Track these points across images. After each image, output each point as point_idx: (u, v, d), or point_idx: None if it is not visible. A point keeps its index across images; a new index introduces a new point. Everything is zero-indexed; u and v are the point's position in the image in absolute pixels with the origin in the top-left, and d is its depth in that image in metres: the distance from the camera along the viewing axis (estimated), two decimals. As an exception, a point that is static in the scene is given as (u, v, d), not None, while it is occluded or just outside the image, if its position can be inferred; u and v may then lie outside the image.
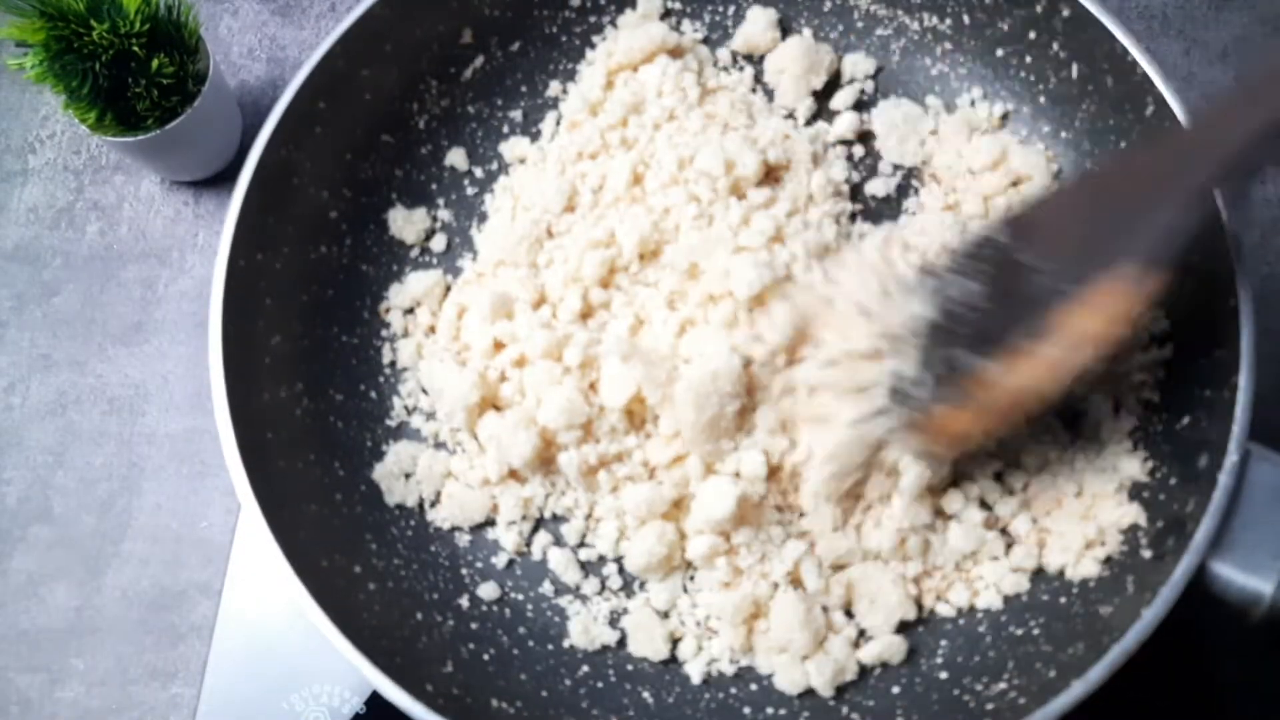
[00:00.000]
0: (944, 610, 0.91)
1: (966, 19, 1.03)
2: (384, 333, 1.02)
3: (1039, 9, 0.98)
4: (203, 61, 1.09)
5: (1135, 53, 0.91)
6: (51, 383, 1.13)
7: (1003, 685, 0.85)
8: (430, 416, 0.99)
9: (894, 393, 0.87)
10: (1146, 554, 0.84)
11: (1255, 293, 0.82)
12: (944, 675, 0.89)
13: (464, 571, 0.95)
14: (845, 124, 1.05)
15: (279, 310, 0.95)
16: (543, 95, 1.09)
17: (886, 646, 0.89)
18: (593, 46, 1.09)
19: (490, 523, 0.97)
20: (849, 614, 0.91)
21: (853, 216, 1.02)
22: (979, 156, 1.01)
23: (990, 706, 0.83)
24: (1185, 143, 0.82)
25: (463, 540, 0.96)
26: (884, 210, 1.03)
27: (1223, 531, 0.77)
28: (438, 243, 1.05)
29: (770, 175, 1.00)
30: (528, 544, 0.96)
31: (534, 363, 0.94)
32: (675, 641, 0.92)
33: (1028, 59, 1.02)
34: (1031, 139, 1.03)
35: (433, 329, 1.01)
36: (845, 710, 0.88)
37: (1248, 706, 0.97)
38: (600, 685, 0.91)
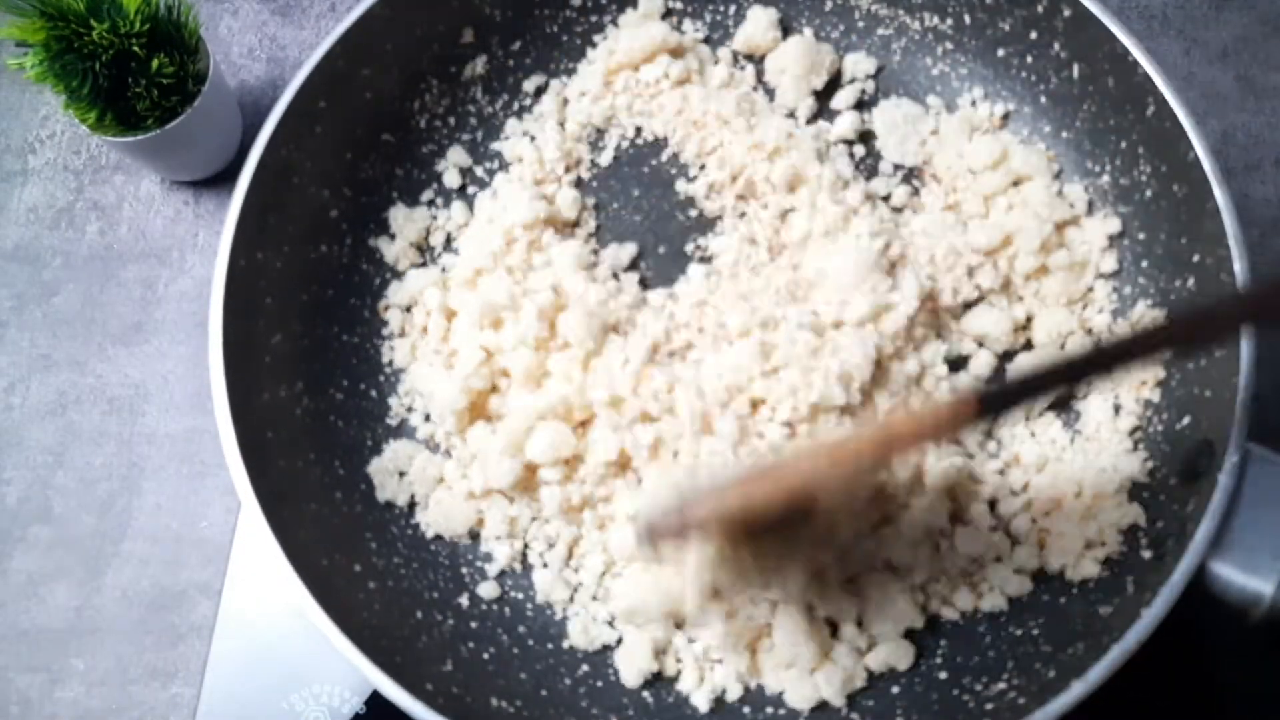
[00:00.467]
0: (948, 614, 0.91)
1: (967, 19, 1.03)
2: (384, 331, 1.02)
3: (1040, 9, 0.98)
4: (203, 61, 1.09)
5: (1136, 53, 0.91)
6: (51, 383, 1.13)
7: (1002, 685, 0.85)
8: (426, 418, 0.99)
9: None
10: (1146, 554, 0.84)
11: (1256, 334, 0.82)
12: (944, 675, 0.89)
13: (464, 571, 0.95)
14: (846, 124, 1.05)
15: (279, 309, 0.95)
16: (544, 95, 1.09)
17: (893, 652, 0.89)
18: (594, 46, 1.09)
19: (476, 535, 0.97)
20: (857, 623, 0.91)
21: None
22: (980, 156, 1.01)
23: (990, 707, 0.83)
24: None
25: (462, 540, 0.96)
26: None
27: (1223, 532, 0.77)
28: (437, 240, 1.05)
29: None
30: (522, 559, 0.96)
31: (516, 382, 0.94)
32: (660, 673, 0.92)
33: (1029, 59, 1.02)
34: (1032, 139, 1.03)
35: (425, 330, 1.01)
36: (846, 711, 0.88)
37: (1248, 706, 0.97)
38: (600, 684, 0.91)
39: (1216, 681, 0.97)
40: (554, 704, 0.89)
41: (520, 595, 0.94)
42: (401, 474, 0.97)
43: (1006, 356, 0.98)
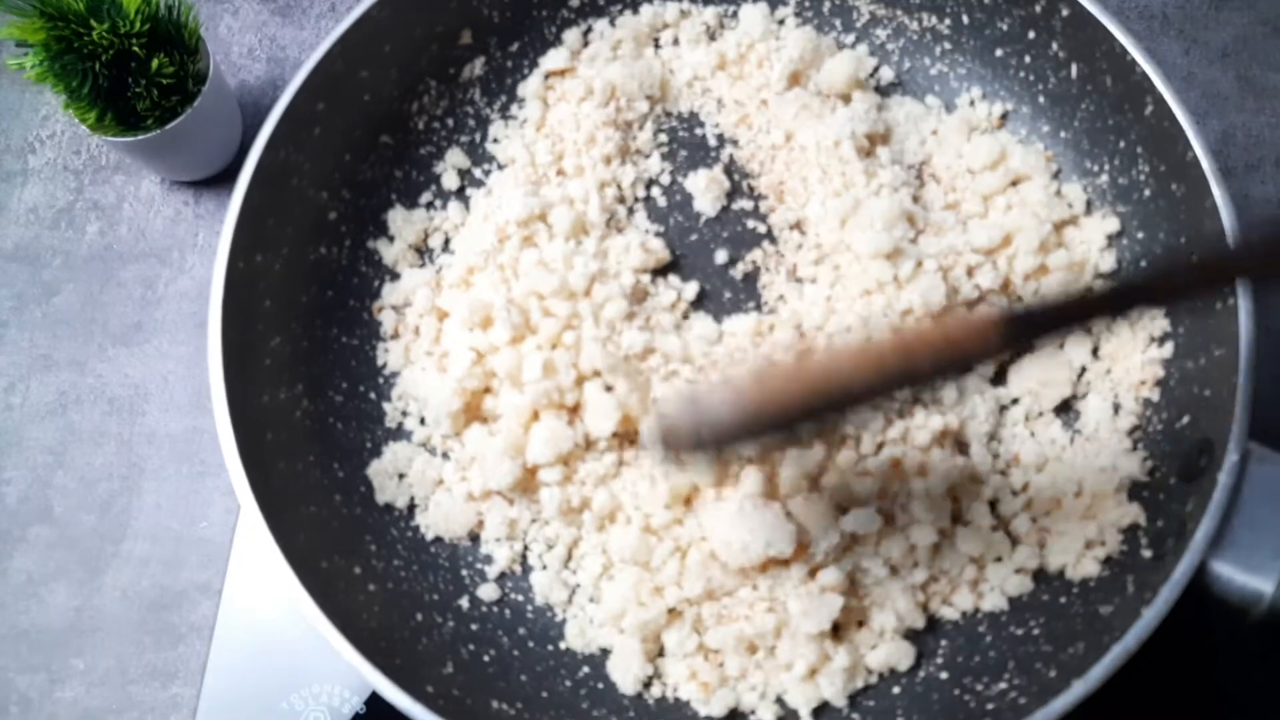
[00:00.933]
0: (949, 614, 0.91)
1: (965, 19, 1.03)
2: (382, 332, 1.02)
3: (1038, 9, 0.98)
4: (203, 61, 1.09)
5: (1134, 52, 0.91)
6: (51, 383, 1.13)
7: (1003, 685, 0.85)
8: (422, 421, 0.99)
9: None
10: (1146, 554, 0.84)
11: (1254, 292, 0.82)
12: (945, 675, 0.89)
13: (464, 573, 0.95)
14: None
15: (278, 312, 0.95)
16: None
17: (894, 652, 0.89)
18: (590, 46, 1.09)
19: (475, 537, 0.97)
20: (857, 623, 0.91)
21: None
22: (978, 156, 1.01)
23: (991, 706, 0.83)
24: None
25: (462, 542, 0.96)
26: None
27: (1223, 531, 0.77)
28: (436, 242, 1.05)
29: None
30: (522, 560, 0.96)
31: (506, 382, 0.95)
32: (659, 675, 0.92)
33: (1027, 59, 1.02)
34: (1031, 138, 1.03)
35: (418, 331, 1.01)
36: (847, 711, 0.88)
37: (1248, 706, 0.97)
38: (601, 686, 0.90)
39: (1217, 680, 0.97)
40: (555, 706, 0.88)
41: (520, 597, 0.94)
42: (401, 476, 0.97)
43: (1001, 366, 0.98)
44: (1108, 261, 0.97)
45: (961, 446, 0.93)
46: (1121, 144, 0.96)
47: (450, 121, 1.07)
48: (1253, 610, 0.77)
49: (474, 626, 0.92)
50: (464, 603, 0.93)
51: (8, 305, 1.16)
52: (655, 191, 1.05)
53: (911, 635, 0.90)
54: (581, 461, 0.93)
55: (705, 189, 1.04)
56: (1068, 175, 1.01)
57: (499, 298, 0.96)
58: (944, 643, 0.91)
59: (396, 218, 1.04)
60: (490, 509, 0.95)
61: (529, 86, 1.07)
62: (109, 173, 1.21)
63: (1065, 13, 0.95)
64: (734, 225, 1.04)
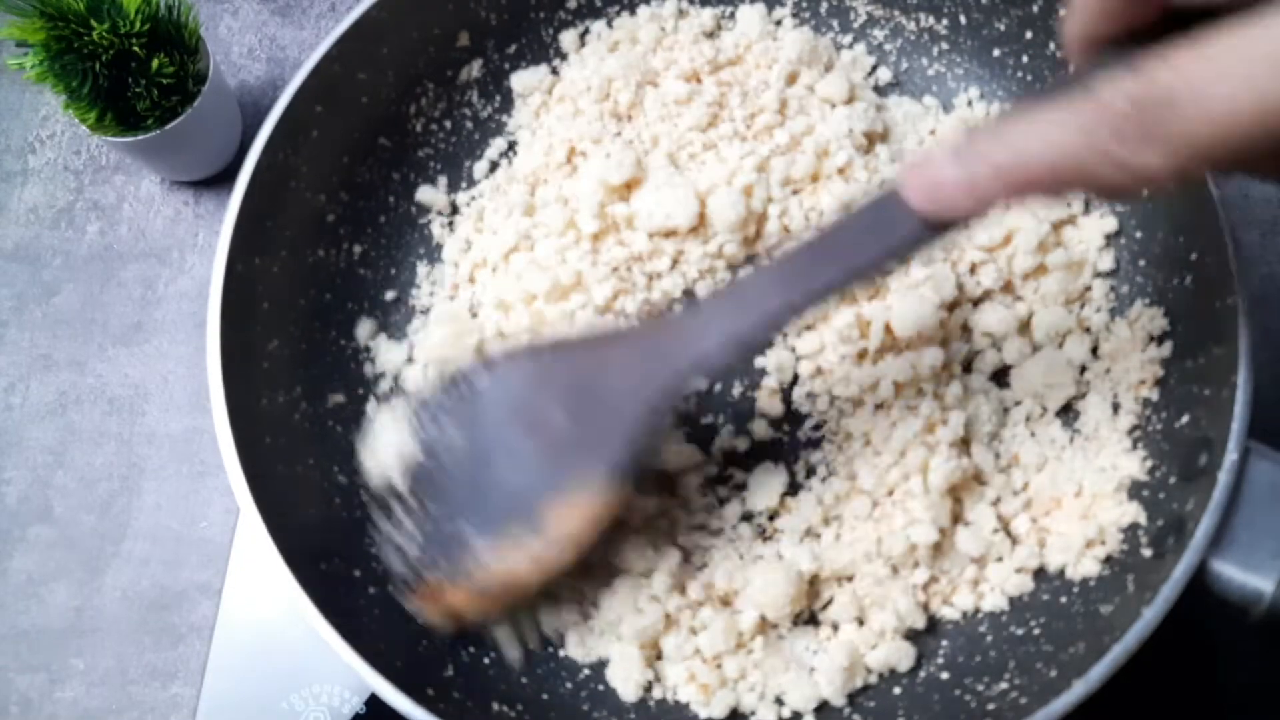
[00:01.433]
0: (949, 614, 0.91)
1: (963, 19, 1.03)
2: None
3: (1035, 9, 0.98)
4: (203, 61, 1.09)
5: (1133, 52, 0.90)
6: (51, 383, 1.13)
7: (1004, 685, 0.85)
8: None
9: (388, 545, 0.85)
10: (1146, 553, 0.84)
11: (1254, 292, 0.82)
12: (945, 676, 0.89)
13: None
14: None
15: (277, 315, 0.95)
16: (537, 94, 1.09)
17: (894, 652, 0.89)
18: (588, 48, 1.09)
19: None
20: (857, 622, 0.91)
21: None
22: (977, 156, 1.01)
23: (991, 707, 0.83)
24: (661, 336, 0.80)
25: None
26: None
27: (1223, 530, 0.77)
28: (435, 239, 1.05)
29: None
30: None
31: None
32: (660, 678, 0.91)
33: (1025, 59, 1.02)
34: (1030, 138, 1.03)
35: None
36: (848, 711, 0.88)
37: (1248, 706, 0.97)
38: (601, 689, 0.90)
39: (1218, 680, 0.97)
40: (555, 708, 0.89)
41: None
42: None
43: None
44: (1106, 261, 0.97)
45: (964, 445, 0.93)
46: (1121, 144, 0.96)
47: (448, 124, 1.07)
48: (1253, 610, 0.77)
49: (474, 629, 0.92)
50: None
51: (8, 305, 1.16)
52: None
53: (912, 635, 0.90)
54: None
55: None
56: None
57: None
58: (944, 643, 0.91)
59: (395, 220, 1.05)
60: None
61: (525, 86, 1.08)
62: (109, 173, 1.21)
63: (1062, 13, 0.95)
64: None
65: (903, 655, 0.89)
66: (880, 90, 1.08)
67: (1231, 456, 0.78)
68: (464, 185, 1.07)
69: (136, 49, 1.03)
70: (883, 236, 0.71)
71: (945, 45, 1.06)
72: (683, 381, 0.78)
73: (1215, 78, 0.52)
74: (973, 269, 0.98)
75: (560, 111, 1.05)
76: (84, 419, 1.12)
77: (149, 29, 1.03)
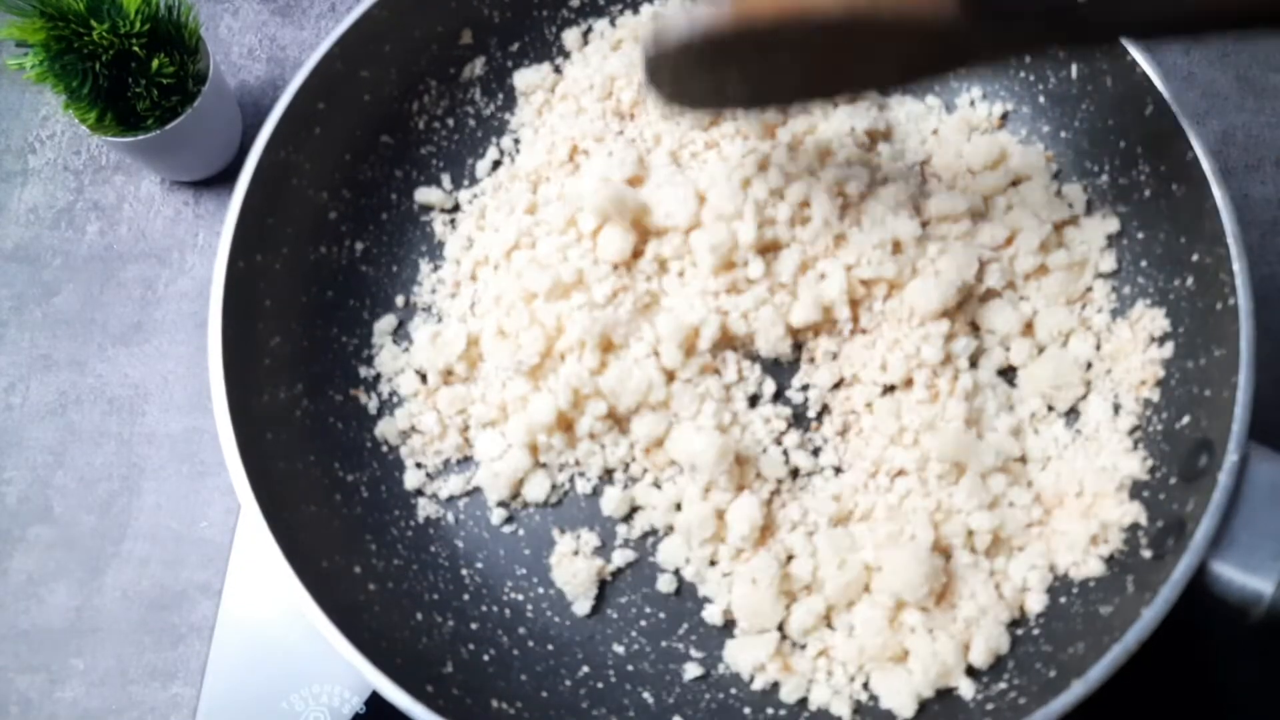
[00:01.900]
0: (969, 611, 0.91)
1: (966, 19, 1.03)
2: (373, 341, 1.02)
3: (1038, 9, 0.98)
4: (203, 61, 1.09)
5: (1134, 52, 0.90)
6: (51, 383, 1.13)
7: (1003, 685, 0.85)
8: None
9: None
10: (1146, 553, 0.84)
11: (1254, 292, 0.82)
12: (945, 675, 0.89)
13: (464, 572, 0.95)
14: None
15: (278, 312, 0.95)
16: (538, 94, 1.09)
17: (991, 639, 0.88)
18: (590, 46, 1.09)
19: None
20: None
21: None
22: (979, 156, 1.01)
23: (991, 707, 0.83)
24: None
25: (462, 542, 0.96)
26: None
27: (1222, 531, 0.77)
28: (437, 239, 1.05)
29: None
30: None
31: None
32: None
33: (1027, 59, 1.02)
34: (1031, 139, 1.03)
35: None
36: (849, 713, 0.88)
37: (1248, 706, 0.97)
38: (600, 685, 0.90)
39: (1216, 681, 0.97)
40: (554, 705, 0.88)
41: (521, 596, 0.94)
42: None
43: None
44: (1108, 262, 0.97)
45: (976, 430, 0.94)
46: (1121, 144, 0.96)
47: (450, 121, 1.07)
48: (1253, 610, 0.77)
49: (474, 626, 0.92)
50: (464, 602, 0.93)
51: (8, 305, 1.16)
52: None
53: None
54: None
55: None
56: (1068, 175, 1.01)
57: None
58: (944, 643, 0.91)
59: (396, 217, 1.05)
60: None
61: (528, 84, 1.08)
62: (109, 173, 1.21)
63: (1063, 13, 0.96)
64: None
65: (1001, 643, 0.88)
66: (882, 90, 1.08)
67: (1232, 458, 0.78)
68: (466, 183, 1.07)
69: (136, 49, 1.03)
70: None
71: (947, 45, 1.06)
72: None
73: None
74: (980, 268, 0.97)
75: (563, 109, 1.05)
76: (84, 419, 1.12)
77: (149, 29, 1.03)
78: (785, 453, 0.95)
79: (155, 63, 1.03)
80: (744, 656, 0.89)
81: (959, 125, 1.03)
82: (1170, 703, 0.95)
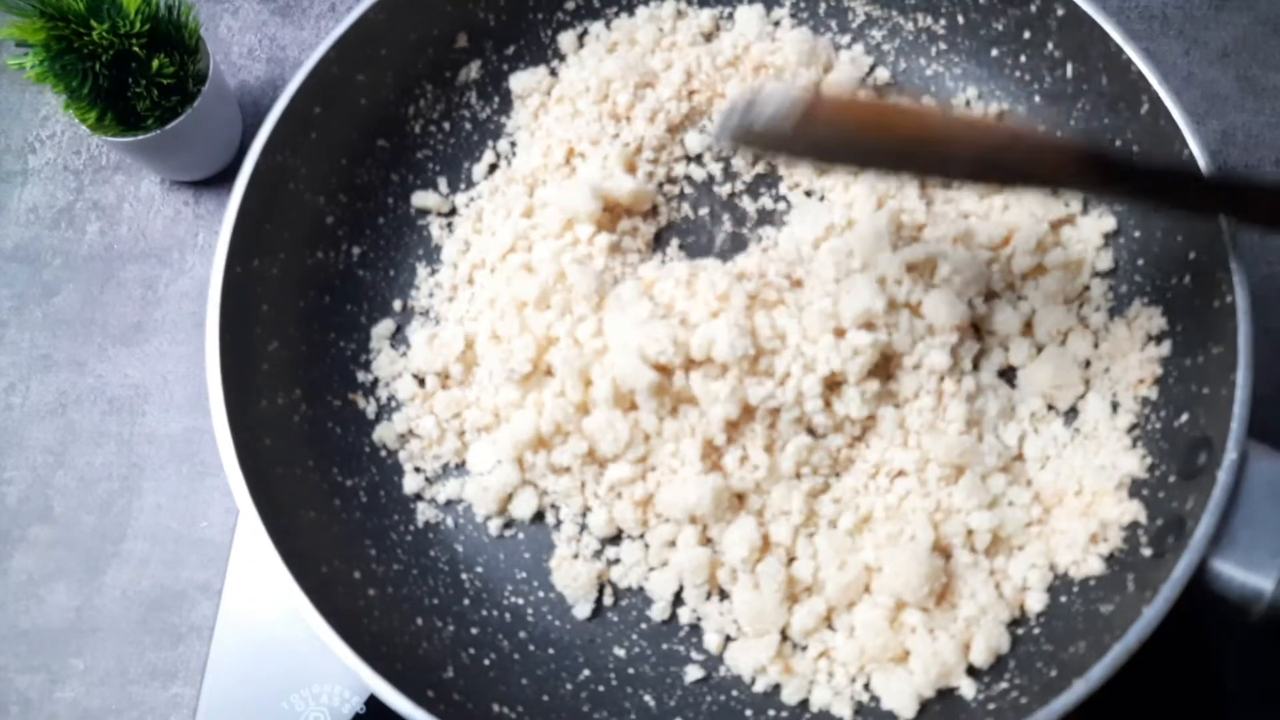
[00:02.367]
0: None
1: (961, 19, 1.03)
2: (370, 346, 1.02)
3: (1033, 8, 0.98)
4: (203, 61, 1.09)
5: (1130, 51, 0.90)
6: (51, 383, 1.13)
7: (1004, 685, 0.85)
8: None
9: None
10: (1146, 552, 0.84)
11: (1254, 291, 0.82)
12: (945, 675, 0.89)
13: (464, 576, 0.95)
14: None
15: (276, 317, 0.95)
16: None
17: (992, 639, 0.88)
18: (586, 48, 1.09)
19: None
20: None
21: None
22: (976, 156, 1.01)
23: (992, 706, 0.83)
24: None
25: (462, 546, 0.97)
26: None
27: (1222, 529, 0.77)
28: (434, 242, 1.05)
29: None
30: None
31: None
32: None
33: (1022, 58, 1.02)
34: (1028, 138, 1.03)
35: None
36: (850, 713, 0.88)
37: (1248, 705, 0.97)
38: (601, 689, 0.91)
39: (1218, 679, 0.97)
40: (555, 709, 0.89)
41: (521, 600, 0.94)
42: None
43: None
44: (1105, 261, 0.97)
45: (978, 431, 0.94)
46: (1118, 143, 0.95)
47: (447, 125, 1.07)
48: (1253, 609, 0.78)
49: (474, 630, 0.92)
50: (464, 606, 0.94)
51: (8, 305, 1.16)
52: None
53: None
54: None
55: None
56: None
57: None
58: (944, 643, 0.91)
59: (394, 221, 1.05)
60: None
61: (524, 87, 1.08)
62: (109, 173, 1.21)
63: (1060, 12, 0.95)
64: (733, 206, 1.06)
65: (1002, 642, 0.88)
66: (879, 90, 1.08)
67: (1231, 456, 0.78)
68: (463, 186, 1.07)
69: (136, 49, 1.03)
70: None
71: (943, 45, 1.06)
72: None
73: None
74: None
75: (559, 113, 1.05)
76: (84, 419, 1.12)
77: (149, 29, 1.03)
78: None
79: (155, 63, 1.03)
80: (745, 658, 0.90)
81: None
82: (1171, 701, 0.95)
